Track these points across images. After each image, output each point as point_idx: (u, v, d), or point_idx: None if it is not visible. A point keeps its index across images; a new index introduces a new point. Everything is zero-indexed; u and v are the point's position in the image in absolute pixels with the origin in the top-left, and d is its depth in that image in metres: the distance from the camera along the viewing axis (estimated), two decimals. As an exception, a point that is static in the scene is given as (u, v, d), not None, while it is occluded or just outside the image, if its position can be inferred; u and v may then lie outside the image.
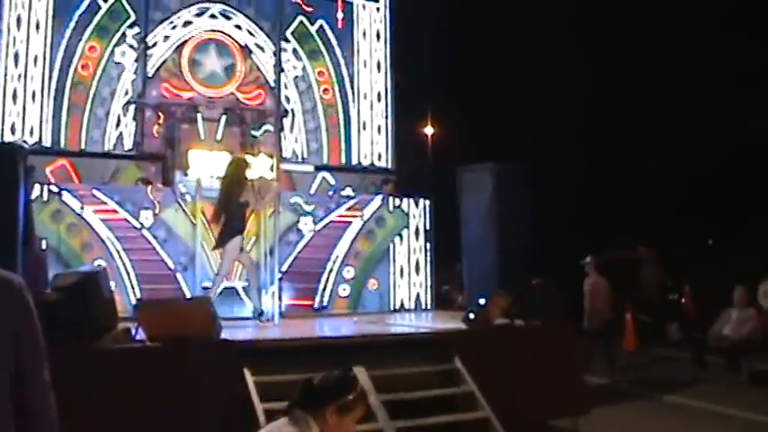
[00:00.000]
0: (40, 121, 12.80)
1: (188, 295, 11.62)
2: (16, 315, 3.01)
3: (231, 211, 10.79)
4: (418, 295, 13.45)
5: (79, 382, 7.16)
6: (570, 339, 9.97)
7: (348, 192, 14.11)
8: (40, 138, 12.76)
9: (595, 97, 23.51)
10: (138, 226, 11.79)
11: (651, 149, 24.88)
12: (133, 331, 7.92)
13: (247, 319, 11.79)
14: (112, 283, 11.10)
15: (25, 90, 12.74)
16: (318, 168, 14.40)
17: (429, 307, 13.47)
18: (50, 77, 12.92)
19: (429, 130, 29.33)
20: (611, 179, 25.10)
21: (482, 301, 9.69)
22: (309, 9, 14.63)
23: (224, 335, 8.68)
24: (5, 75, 12.70)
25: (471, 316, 9.50)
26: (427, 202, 13.68)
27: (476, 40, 21.42)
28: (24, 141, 12.35)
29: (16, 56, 12.78)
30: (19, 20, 12.83)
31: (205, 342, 7.76)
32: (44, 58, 12.91)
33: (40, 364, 3.08)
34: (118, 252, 11.59)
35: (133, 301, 11.04)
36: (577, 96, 23.55)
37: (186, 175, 12.32)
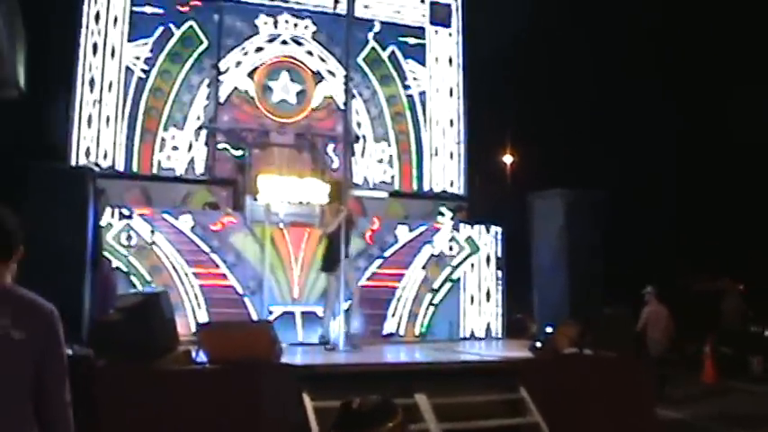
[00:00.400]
0: (114, 146, 12.99)
1: (255, 319, 11.63)
2: (44, 339, 3.17)
3: (334, 235, 10.91)
4: (489, 324, 13.27)
5: (137, 401, 7.19)
6: (641, 371, 9.68)
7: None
8: (114, 162, 12.94)
9: (681, 123, 23.09)
10: (207, 250, 11.84)
11: (735, 177, 24.36)
12: (194, 354, 7.93)
13: (312, 344, 11.83)
14: (179, 306, 11.37)
15: (100, 115, 12.95)
16: (391, 195, 14.33)
17: (500, 335, 13.27)
18: (124, 103, 13.10)
19: (508, 158, 29.19)
20: (697, 207, 24.67)
21: (549, 330, 9.48)
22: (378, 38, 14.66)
23: (292, 358, 8.69)
24: (81, 100, 12.93)
25: (538, 345, 9.31)
26: (499, 230, 13.52)
27: (554, 64, 21.20)
28: (97, 164, 12.54)
29: (92, 82, 13.01)
30: (95, 46, 13.06)
31: (265, 366, 7.72)
32: (118, 84, 13.11)
33: (60, 385, 3.23)
34: (186, 275, 11.65)
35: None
36: (663, 122, 23.15)
37: (256, 199, 12.31)
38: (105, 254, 10.97)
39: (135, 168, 13.09)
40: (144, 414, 7.14)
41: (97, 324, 8.36)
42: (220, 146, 13.49)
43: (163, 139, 13.28)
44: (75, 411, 6.66)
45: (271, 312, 11.89)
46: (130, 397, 7.24)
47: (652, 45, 22.40)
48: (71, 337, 8.15)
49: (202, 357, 7.86)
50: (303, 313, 12.17)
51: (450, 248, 13.20)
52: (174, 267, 11.64)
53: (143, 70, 13.31)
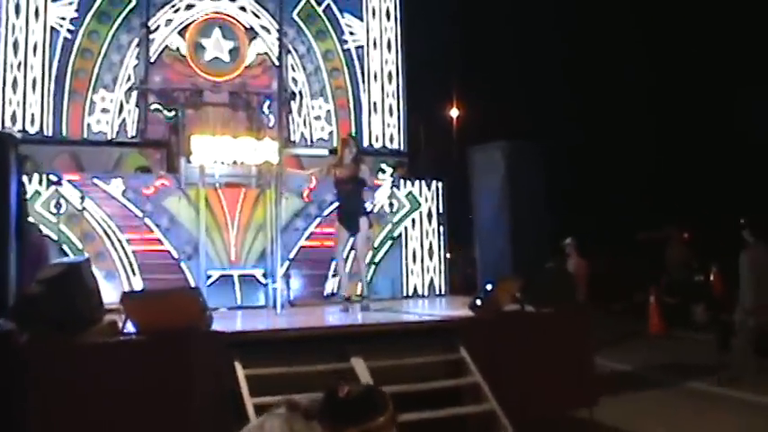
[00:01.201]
0: (42, 110, 12.56)
1: (192, 284, 11.41)
2: None
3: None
4: (432, 280, 13.13)
5: (62, 376, 6.95)
6: (583, 326, 9.57)
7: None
8: (42, 127, 12.53)
9: (642, 74, 22.95)
10: (140, 215, 11.55)
11: (685, 128, 24.34)
12: (120, 324, 7.68)
13: (260, 307, 11.74)
14: (113, 273, 11.12)
15: (25, 79, 12.50)
16: (330, 152, 14.07)
17: (443, 292, 13.15)
18: (51, 65, 12.67)
19: (453, 112, 28.87)
20: (645, 158, 24.63)
21: (489, 287, 9.29)
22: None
23: (228, 324, 8.49)
24: (5, 63, 12.46)
25: (478, 302, 9.12)
26: (440, 185, 13.34)
27: (499, 14, 20.90)
28: (23, 130, 12.16)
29: (15, 44, 12.55)
30: (17, 7, 12.58)
31: (194, 334, 7.48)
32: (44, 46, 12.67)
33: None
34: (119, 242, 11.37)
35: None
36: (615, 72, 22.99)
37: (190, 161, 12.00)
38: (35, 223, 10.67)
39: (64, 133, 12.65)
40: (71, 389, 6.90)
41: (19, 297, 8.07)
42: (152, 107, 13.08)
43: (92, 102, 12.83)
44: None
45: (209, 276, 11.68)
46: (55, 372, 6.99)
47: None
48: (-5, 312, 7.91)
49: (130, 328, 7.60)
50: (241, 276, 11.95)
51: (391, 205, 13.03)
52: (106, 234, 11.35)
53: (69, 30, 12.82)
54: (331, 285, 12.38)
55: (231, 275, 11.90)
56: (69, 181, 11.30)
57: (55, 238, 10.91)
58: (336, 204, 11.28)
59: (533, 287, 9.50)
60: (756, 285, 11.34)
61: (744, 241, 11.72)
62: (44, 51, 12.68)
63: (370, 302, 10.83)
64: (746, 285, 11.44)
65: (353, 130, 13.96)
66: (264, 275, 11.92)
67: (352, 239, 11.01)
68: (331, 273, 12.34)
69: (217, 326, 8.02)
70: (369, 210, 11.44)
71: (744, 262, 11.51)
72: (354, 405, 3.20)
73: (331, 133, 14.03)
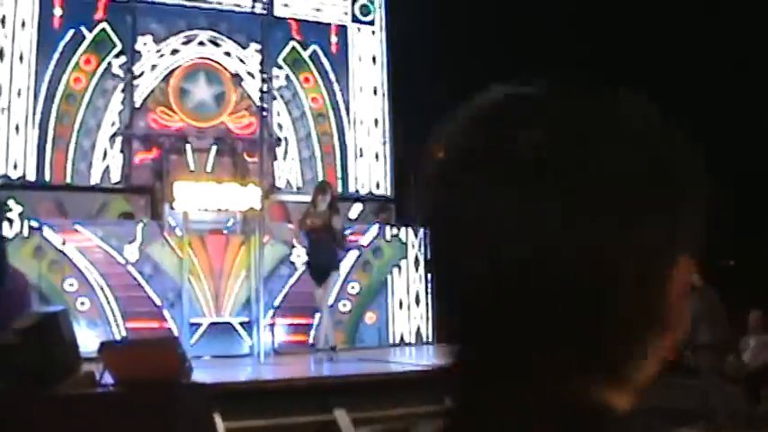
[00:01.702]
0: (24, 155, 12.47)
1: (175, 331, 11.26)
2: None
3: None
4: (419, 328, 13.00)
5: (36, 429, 6.78)
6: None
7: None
8: (24, 172, 12.43)
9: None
10: (123, 261, 11.41)
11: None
12: (97, 375, 7.51)
13: (244, 356, 11.54)
14: (95, 321, 10.97)
15: (9, 123, 12.42)
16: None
17: (431, 340, 13.00)
18: (34, 110, 12.60)
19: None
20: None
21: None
22: (299, 38, 14.28)
23: (210, 374, 8.35)
24: (-12, 108, 12.41)
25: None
26: (426, 231, 13.23)
27: (477, 53, 20.89)
28: (6, 176, 12.08)
29: (-1, 88, 12.50)
30: (2, 52, 12.53)
31: (173, 385, 7.31)
32: (28, 90, 12.60)
33: None
34: (101, 289, 11.22)
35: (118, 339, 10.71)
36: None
37: (173, 207, 11.91)
38: (17, 269, 10.52)
39: (47, 178, 12.56)
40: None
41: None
42: (136, 152, 13.03)
43: (77, 147, 12.76)
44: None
45: (192, 324, 11.53)
46: (29, 424, 6.82)
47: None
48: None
49: (108, 379, 7.44)
50: (225, 324, 11.80)
51: (376, 252, 12.90)
52: (87, 281, 11.18)
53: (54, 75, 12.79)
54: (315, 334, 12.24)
55: (215, 323, 11.74)
56: (51, 227, 11.14)
57: (37, 284, 10.76)
58: (306, 255, 11.11)
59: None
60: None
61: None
62: (28, 96, 12.59)
63: (334, 354, 10.55)
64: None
65: (339, 174, 13.92)
66: (248, 324, 11.74)
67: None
68: (316, 321, 12.20)
69: (198, 376, 7.86)
70: (340, 261, 11.24)
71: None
72: None
73: (316, 178, 13.89)
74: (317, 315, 11.50)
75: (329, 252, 10.60)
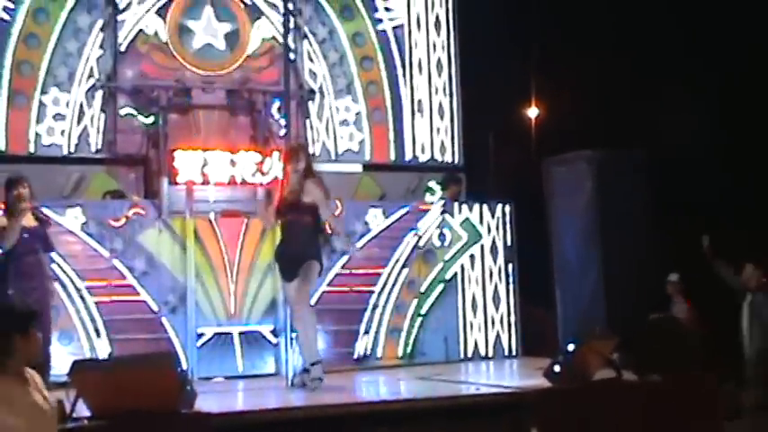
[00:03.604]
0: (-25, 117, 12.49)
1: (177, 345, 11.24)
2: None
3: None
4: (498, 337, 12.86)
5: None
6: (710, 398, 9.18)
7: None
8: (-24, 139, 12.47)
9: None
10: (107, 255, 11.39)
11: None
12: (68, 406, 7.41)
13: (268, 376, 11.63)
14: (69, 334, 10.92)
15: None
16: (365, 168, 13.91)
17: (514, 353, 12.87)
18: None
19: (532, 112, 28.48)
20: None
21: (572, 347, 8.97)
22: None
23: (220, 401, 8.31)
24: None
25: (557, 368, 8.77)
26: (507, 209, 13.04)
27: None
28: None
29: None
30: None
31: (167, 417, 7.21)
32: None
33: None
34: (78, 291, 11.18)
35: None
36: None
37: (174, 182, 11.84)
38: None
39: (3, 147, 12.51)
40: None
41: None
42: (124, 111, 12.97)
43: (42, 105, 12.68)
44: None
45: (200, 335, 11.53)
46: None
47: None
48: None
49: (81, 410, 7.34)
50: (243, 334, 11.80)
51: (442, 237, 12.76)
52: (60, 282, 11.11)
53: (7, 9, 12.65)
54: (364, 344, 12.14)
55: (230, 334, 11.76)
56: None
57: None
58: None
59: (635, 346, 9.14)
60: None
61: None
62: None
63: (316, 379, 9.89)
64: None
65: (391, 136, 13.79)
66: (274, 333, 11.69)
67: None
68: (363, 328, 12.10)
69: (203, 404, 7.77)
70: (320, 251, 10.57)
71: None
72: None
73: (362, 143, 13.88)
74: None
75: (301, 236, 10.14)
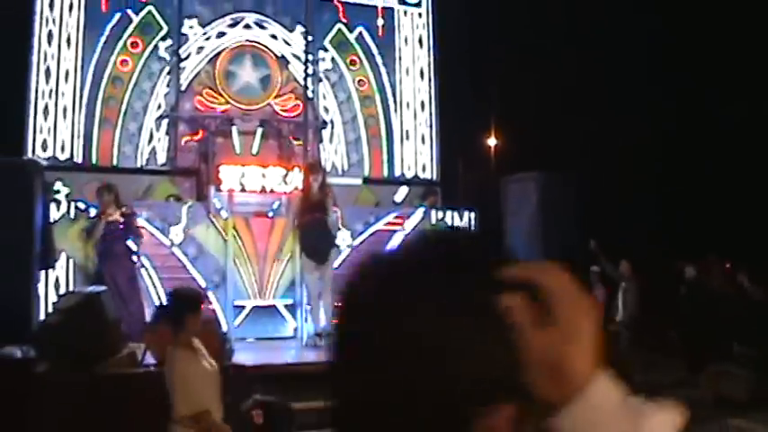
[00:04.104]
0: (72, 137, 12.63)
1: (219, 313, 11.29)
2: None
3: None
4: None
5: (78, 407, 6.85)
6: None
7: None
8: (72, 154, 12.59)
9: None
10: (168, 243, 11.46)
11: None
12: (139, 355, 7.58)
13: (288, 339, 11.54)
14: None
15: (57, 105, 12.57)
16: (364, 181, 13.99)
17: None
18: (81, 92, 12.74)
19: (491, 141, 28.55)
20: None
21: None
22: (345, 20, 14.25)
23: (252, 356, 8.35)
24: (36, 90, 12.58)
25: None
26: (472, 215, 13.11)
27: (524, 37, 20.59)
28: (54, 157, 12.24)
29: (47, 71, 12.64)
30: (50, 35, 12.68)
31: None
32: (75, 73, 12.73)
33: None
34: (147, 270, 11.26)
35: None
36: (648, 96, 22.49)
37: (219, 189, 11.94)
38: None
39: (94, 160, 12.70)
40: (85, 420, 6.79)
41: (40, 325, 8.03)
42: (182, 136, 13.12)
43: (123, 129, 12.91)
44: (10, 420, 6.32)
45: (236, 306, 11.54)
46: (70, 403, 6.89)
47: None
48: (17, 338, 7.86)
49: (149, 359, 7.51)
50: (269, 306, 11.77)
51: (421, 235, 12.77)
52: (133, 263, 11.22)
53: (101, 58, 12.93)
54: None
55: (259, 306, 11.73)
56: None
57: (83, 264, 10.85)
58: (300, 238, 10.63)
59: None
60: None
61: None
62: (75, 78, 12.72)
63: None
64: None
65: (385, 157, 13.91)
66: (292, 307, 11.75)
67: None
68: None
69: (240, 357, 7.89)
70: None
71: None
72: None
73: (362, 162, 14.03)
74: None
75: (325, 229, 10.41)
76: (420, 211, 12.93)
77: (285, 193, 12.22)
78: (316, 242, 10.38)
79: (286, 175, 12.26)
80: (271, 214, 12.10)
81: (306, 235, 10.44)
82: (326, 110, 13.96)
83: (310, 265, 10.44)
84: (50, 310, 9.85)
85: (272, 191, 12.21)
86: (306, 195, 10.39)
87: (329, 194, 10.43)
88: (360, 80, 14.29)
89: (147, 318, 10.19)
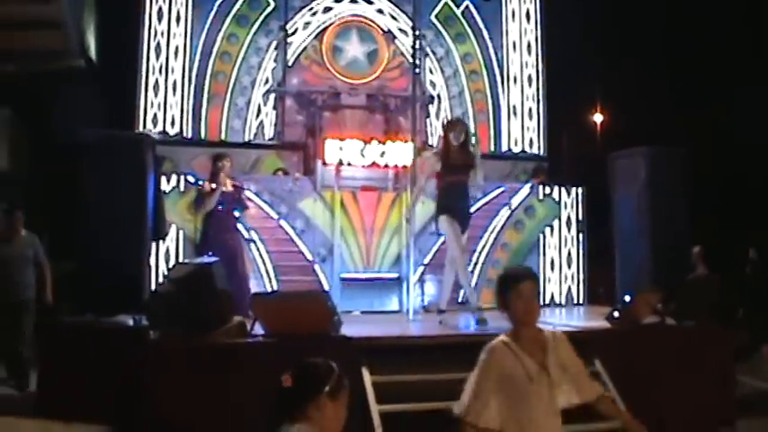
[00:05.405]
0: (181, 113, 12.88)
1: (326, 286, 11.39)
2: None
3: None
4: (570, 289, 12.76)
5: (189, 375, 7.00)
6: (726, 342, 9.08)
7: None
8: (182, 129, 12.85)
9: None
10: (276, 216, 11.59)
11: None
12: (249, 326, 7.69)
13: (393, 312, 11.61)
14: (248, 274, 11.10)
15: (167, 81, 12.82)
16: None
17: (581, 302, 12.75)
18: (191, 68, 12.98)
19: (597, 117, 28.16)
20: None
21: (628, 298, 8.96)
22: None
23: (358, 329, 8.38)
24: (147, 67, 12.87)
25: (616, 314, 8.79)
26: (579, 191, 12.95)
27: (633, 12, 20.12)
28: (164, 132, 12.48)
29: (158, 48, 12.89)
30: (160, 12, 12.93)
31: (322, 338, 7.40)
32: (185, 49, 12.98)
33: None
34: (254, 243, 11.42)
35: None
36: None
37: (326, 164, 12.01)
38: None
39: (203, 135, 12.94)
40: (195, 388, 6.94)
41: (152, 295, 8.23)
42: (290, 110, 13.27)
43: (232, 104, 13.15)
44: (126, 385, 6.50)
45: (342, 279, 11.64)
46: (182, 371, 7.04)
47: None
48: (131, 307, 8.07)
49: (259, 330, 7.61)
50: (376, 280, 11.82)
51: (528, 211, 12.69)
52: (241, 234, 11.39)
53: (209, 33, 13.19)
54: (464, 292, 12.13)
55: (365, 279, 11.79)
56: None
57: (192, 236, 11.02)
58: (442, 197, 9.87)
59: (676, 299, 9.10)
60: None
61: None
62: (185, 55, 12.96)
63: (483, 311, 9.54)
64: None
65: (491, 132, 13.86)
66: (398, 280, 11.77)
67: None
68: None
69: (346, 330, 7.94)
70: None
71: None
72: (300, 386, 3.38)
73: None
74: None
75: (467, 192, 9.91)
76: (527, 187, 12.84)
77: (392, 166, 12.26)
78: (458, 205, 9.76)
79: (392, 150, 12.23)
80: (377, 188, 12.12)
81: (447, 196, 9.79)
82: (433, 84, 13.91)
83: (455, 227, 9.62)
84: (161, 280, 10.14)
85: (377, 165, 12.22)
86: (445, 154, 9.72)
87: (473, 153, 9.84)
88: (466, 55, 14.18)
89: (253, 289, 10.37)
